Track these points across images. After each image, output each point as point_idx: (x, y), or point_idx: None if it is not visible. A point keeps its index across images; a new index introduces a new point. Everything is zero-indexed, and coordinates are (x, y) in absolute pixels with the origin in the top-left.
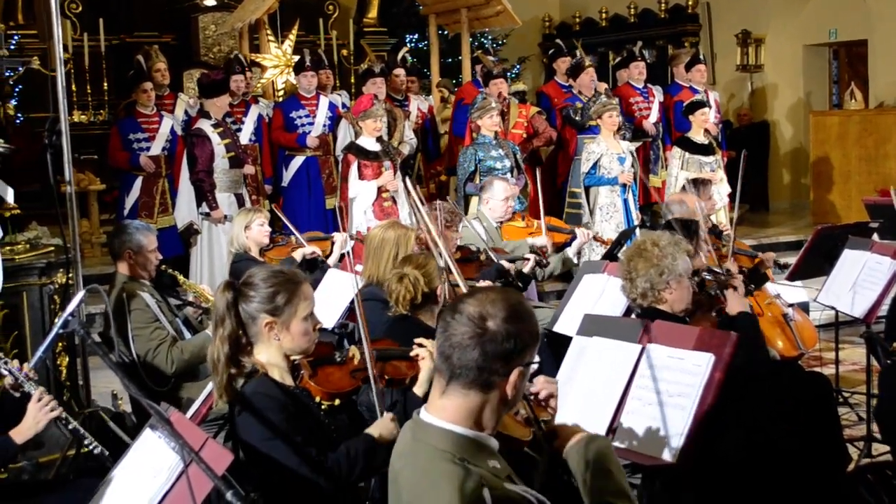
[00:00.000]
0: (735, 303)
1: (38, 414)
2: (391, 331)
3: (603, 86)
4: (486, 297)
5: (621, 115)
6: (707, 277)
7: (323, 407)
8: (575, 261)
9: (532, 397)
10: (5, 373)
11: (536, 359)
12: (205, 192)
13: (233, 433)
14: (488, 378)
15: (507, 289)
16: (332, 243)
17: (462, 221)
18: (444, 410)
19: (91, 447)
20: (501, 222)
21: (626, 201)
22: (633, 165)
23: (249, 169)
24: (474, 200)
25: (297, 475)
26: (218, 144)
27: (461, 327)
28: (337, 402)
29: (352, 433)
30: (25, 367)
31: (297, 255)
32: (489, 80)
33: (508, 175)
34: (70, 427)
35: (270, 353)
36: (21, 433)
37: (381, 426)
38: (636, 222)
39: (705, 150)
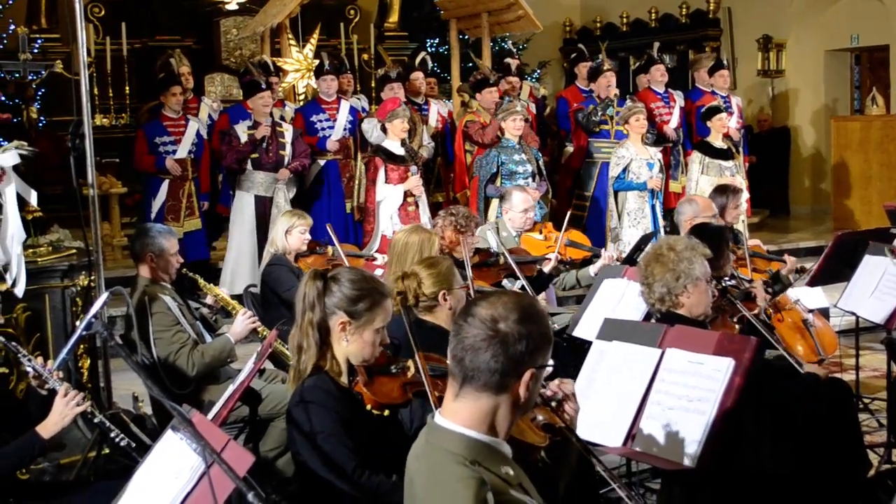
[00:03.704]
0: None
1: (65, 409)
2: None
3: (615, 91)
4: (498, 299)
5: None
6: (730, 284)
7: (374, 415)
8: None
9: (552, 402)
10: (29, 369)
11: (550, 361)
12: (235, 169)
13: (288, 422)
14: (501, 380)
15: (519, 292)
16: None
17: (478, 226)
18: (458, 414)
19: (118, 440)
20: (521, 233)
21: (653, 207)
22: (661, 171)
23: (284, 174)
24: (494, 203)
25: (334, 477)
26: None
27: (473, 330)
28: (386, 412)
29: (395, 444)
30: (49, 363)
31: None
32: (483, 88)
33: (529, 180)
34: (96, 420)
35: (335, 352)
36: (47, 428)
37: None
38: (661, 228)
39: (724, 154)
